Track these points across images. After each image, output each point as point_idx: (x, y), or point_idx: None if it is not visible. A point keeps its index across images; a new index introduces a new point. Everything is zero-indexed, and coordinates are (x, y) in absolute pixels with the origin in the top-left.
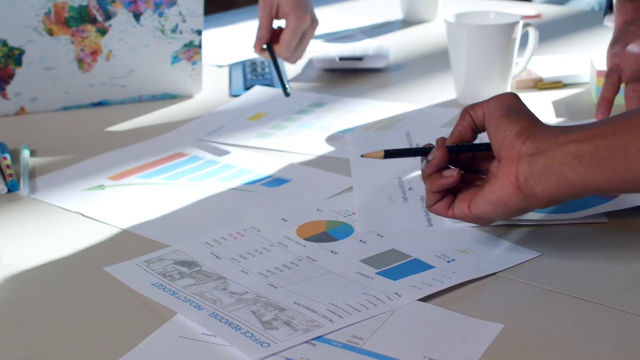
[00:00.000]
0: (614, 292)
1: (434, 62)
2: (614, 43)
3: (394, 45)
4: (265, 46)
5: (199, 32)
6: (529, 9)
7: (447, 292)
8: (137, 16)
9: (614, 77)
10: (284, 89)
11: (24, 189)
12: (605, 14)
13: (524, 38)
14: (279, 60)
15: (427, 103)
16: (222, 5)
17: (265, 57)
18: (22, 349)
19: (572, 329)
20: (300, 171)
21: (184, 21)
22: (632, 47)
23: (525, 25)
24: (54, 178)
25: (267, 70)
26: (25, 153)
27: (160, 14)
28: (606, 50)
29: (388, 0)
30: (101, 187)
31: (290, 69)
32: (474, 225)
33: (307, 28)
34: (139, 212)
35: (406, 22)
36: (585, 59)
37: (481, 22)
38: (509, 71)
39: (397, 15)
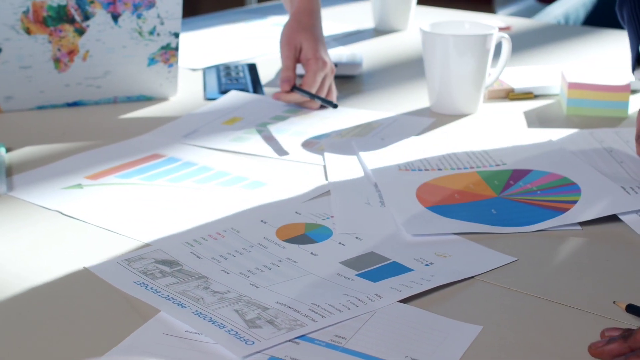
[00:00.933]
0: (588, 296)
1: (406, 70)
2: None
3: (366, 54)
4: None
5: (177, 35)
6: (498, 21)
7: (426, 295)
8: (115, 17)
9: None
10: (332, 104)
11: (1, 186)
12: (634, 69)
13: (497, 49)
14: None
15: (400, 111)
16: (186, 11)
17: (290, 100)
18: (2, 348)
19: (548, 331)
20: (277, 175)
21: (162, 23)
22: None
23: (499, 36)
24: (31, 176)
25: (241, 74)
26: (2, 150)
27: (139, 16)
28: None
29: (360, 9)
30: (79, 186)
31: (265, 75)
32: (445, 233)
33: (327, 73)
34: (119, 212)
35: (378, 31)
36: (556, 70)
37: (456, 32)
38: (482, 81)
39: (369, 24)
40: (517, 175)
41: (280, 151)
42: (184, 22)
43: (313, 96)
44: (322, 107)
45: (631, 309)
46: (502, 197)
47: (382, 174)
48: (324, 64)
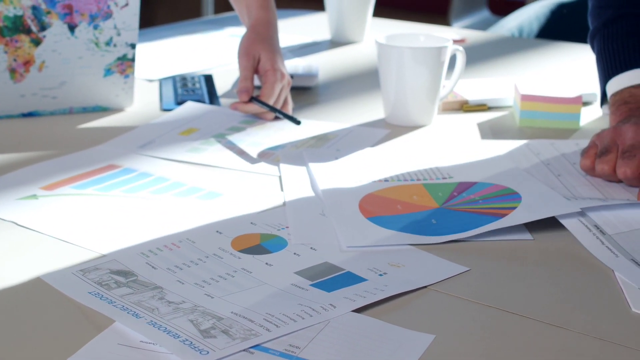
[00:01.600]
0: (538, 305)
1: (361, 82)
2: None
3: (322, 65)
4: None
5: (133, 46)
6: (453, 34)
7: (380, 304)
8: (72, 28)
9: None
10: (295, 121)
11: None
12: (602, 104)
13: (452, 61)
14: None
15: (356, 122)
16: (142, 21)
17: (248, 111)
18: None
19: (499, 340)
20: (233, 186)
21: (118, 34)
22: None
23: (453, 48)
24: None
25: (197, 85)
26: None
27: (95, 27)
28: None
29: (316, 21)
30: (34, 196)
31: (222, 86)
32: (380, 245)
33: (284, 85)
34: (74, 222)
35: (334, 43)
36: (510, 83)
37: (412, 44)
38: (436, 93)
39: (325, 35)
40: (462, 187)
41: (236, 162)
42: (141, 33)
43: (273, 109)
44: (276, 118)
45: None
46: (444, 208)
47: (327, 185)
48: (282, 75)
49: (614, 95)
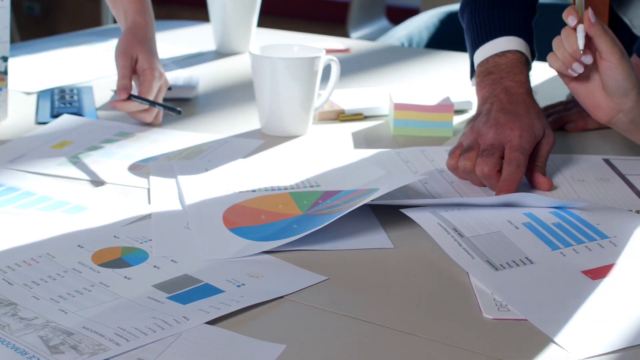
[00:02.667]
0: (392, 312)
1: (242, 92)
2: (474, 119)
3: (205, 76)
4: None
5: (5, 59)
6: (337, 44)
7: (236, 315)
8: None
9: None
10: (176, 111)
11: None
12: (471, 77)
13: (328, 71)
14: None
15: (232, 133)
16: (44, 32)
17: (127, 109)
18: None
19: (349, 348)
20: (100, 199)
21: None
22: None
23: (327, 59)
24: None
25: (75, 98)
26: None
27: None
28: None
29: (203, 32)
30: None
31: (101, 99)
32: (239, 257)
33: (162, 85)
34: None
35: (219, 54)
36: (385, 92)
37: (285, 55)
38: (311, 103)
39: (211, 46)
40: (328, 195)
41: (106, 175)
42: (26, 45)
43: (152, 103)
44: (147, 124)
45: None
46: (307, 214)
47: (194, 197)
48: (161, 75)
49: (480, 65)
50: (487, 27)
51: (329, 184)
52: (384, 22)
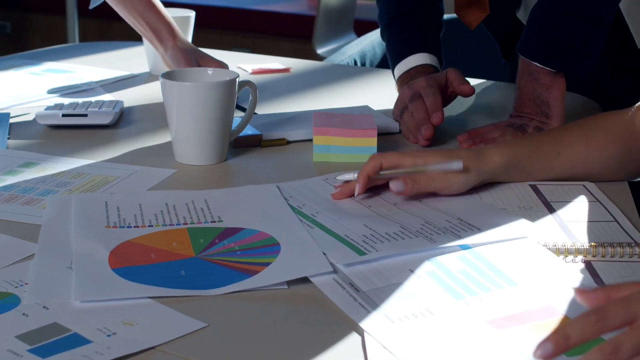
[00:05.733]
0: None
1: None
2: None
3: (133, 100)
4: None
5: None
6: (278, 64)
7: None
8: None
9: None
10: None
11: None
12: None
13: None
14: None
15: (147, 162)
16: (18, 48)
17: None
18: None
19: None
20: None
21: None
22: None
23: (244, 83)
24: None
25: None
26: None
27: None
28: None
29: (137, 53)
30: None
31: (17, 125)
32: (115, 299)
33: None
34: None
35: (153, 76)
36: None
37: (196, 79)
38: (223, 129)
39: (144, 68)
40: (227, 233)
41: None
42: None
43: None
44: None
45: None
46: (199, 257)
47: (83, 233)
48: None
49: (400, 77)
50: (405, 44)
51: (232, 219)
52: (352, 36)
